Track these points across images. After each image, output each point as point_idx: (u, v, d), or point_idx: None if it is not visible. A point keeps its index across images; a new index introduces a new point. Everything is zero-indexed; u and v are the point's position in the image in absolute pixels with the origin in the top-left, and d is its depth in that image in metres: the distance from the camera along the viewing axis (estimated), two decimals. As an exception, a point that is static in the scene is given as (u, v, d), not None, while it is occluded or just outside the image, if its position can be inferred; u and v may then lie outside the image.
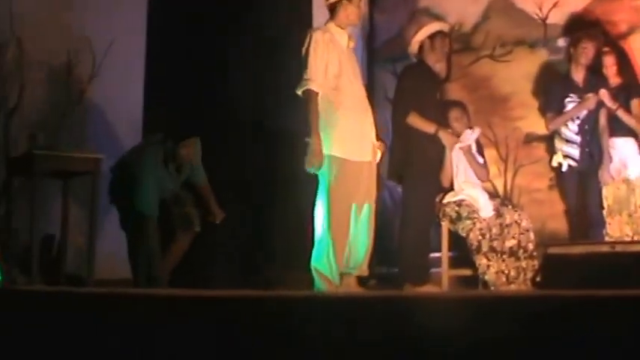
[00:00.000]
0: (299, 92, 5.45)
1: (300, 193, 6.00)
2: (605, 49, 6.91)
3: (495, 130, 7.33)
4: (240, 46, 7.61)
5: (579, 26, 7.14)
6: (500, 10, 7.48)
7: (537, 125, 7.24)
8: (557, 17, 7.33)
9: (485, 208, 6.34)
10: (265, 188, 7.60)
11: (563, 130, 6.70)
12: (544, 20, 7.37)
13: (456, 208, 6.37)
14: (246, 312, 3.15)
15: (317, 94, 5.38)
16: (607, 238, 6.56)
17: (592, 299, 3.02)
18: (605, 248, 4.61)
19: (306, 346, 3.01)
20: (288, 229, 7.10)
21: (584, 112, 6.65)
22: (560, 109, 6.72)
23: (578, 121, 6.67)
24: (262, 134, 7.62)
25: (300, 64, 5.47)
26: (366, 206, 5.54)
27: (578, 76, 6.72)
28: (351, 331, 2.98)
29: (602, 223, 6.62)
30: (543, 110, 7.01)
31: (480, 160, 6.60)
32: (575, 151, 6.63)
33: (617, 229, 6.68)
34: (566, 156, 6.65)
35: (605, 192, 6.70)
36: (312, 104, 5.37)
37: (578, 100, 6.65)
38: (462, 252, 6.42)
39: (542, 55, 7.36)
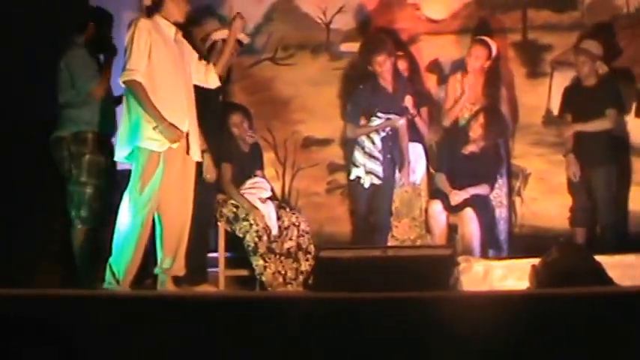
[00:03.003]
0: (121, 81, 5.40)
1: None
2: (399, 52, 7.13)
3: (275, 133, 7.43)
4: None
5: (365, 33, 7.36)
6: (284, 12, 7.53)
7: (317, 129, 7.41)
8: (341, 23, 7.48)
9: (274, 227, 6.46)
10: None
11: (368, 145, 6.72)
12: (327, 25, 7.51)
13: (234, 210, 6.42)
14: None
15: (140, 84, 5.33)
16: (393, 241, 6.78)
17: (359, 301, 3.16)
18: (376, 252, 4.79)
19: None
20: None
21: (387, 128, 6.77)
22: (368, 115, 6.75)
23: (382, 135, 6.74)
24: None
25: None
26: (178, 205, 5.53)
27: (386, 82, 6.77)
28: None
29: (389, 227, 6.85)
30: (347, 116, 7.05)
31: None
32: (378, 168, 6.69)
33: (403, 232, 6.91)
34: (369, 172, 6.70)
35: (393, 195, 6.94)
36: (141, 94, 5.33)
37: (387, 110, 6.72)
38: (241, 252, 6.48)
39: (324, 60, 7.52)
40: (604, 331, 2.88)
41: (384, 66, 6.69)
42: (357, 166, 6.75)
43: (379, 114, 6.73)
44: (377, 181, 6.70)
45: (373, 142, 6.74)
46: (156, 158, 5.37)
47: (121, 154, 5.50)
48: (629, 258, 5.70)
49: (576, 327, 2.90)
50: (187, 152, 5.50)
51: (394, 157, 6.79)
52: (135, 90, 5.35)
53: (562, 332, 2.89)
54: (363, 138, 6.76)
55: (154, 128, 5.33)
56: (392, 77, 6.77)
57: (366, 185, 6.72)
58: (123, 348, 3.12)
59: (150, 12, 5.57)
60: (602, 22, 7.31)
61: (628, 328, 2.85)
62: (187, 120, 5.49)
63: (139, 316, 3.20)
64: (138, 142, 5.37)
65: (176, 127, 5.37)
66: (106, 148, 6.19)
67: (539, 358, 2.88)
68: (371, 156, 6.72)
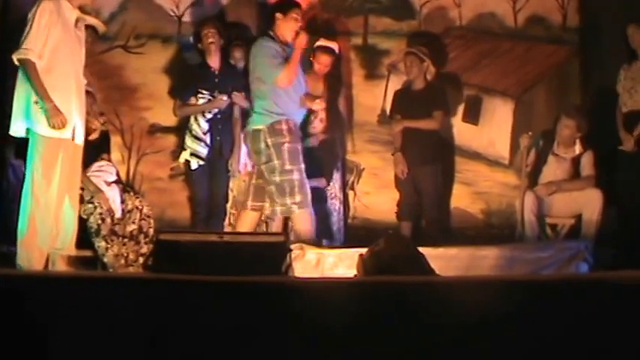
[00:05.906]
0: (15, 58, 5.21)
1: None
2: (237, 42, 7.10)
3: (122, 118, 7.34)
4: None
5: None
6: (139, 2, 7.47)
7: (163, 117, 7.33)
8: (193, 16, 7.44)
9: (118, 210, 6.33)
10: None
11: (194, 128, 6.76)
12: (179, 18, 7.46)
13: (80, 192, 6.27)
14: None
15: (33, 63, 5.17)
16: (229, 228, 6.77)
17: (195, 284, 3.11)
18: (213, 237, 4.76)
19: None
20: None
21: (215, 110, 6.78)
22: (192, 95, 6.76)
23: (209, 116, 6.76)
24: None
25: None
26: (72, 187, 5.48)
27: (214, 61, 6.82)
28: None
29: (224, 212, 6.85)
30: (173, 92, 7.10)
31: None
32: (203, 150, 6.72)
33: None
34: (193, 154, 6.75)
35: (231, 184, 6.91)
36: (32, 73, 5.18)
37: (211, 88, 6.74)
38: (85, 234, 6.34)
39: (173, 50, 7.46)
40: (424, 316, 2.93)
41: (212, 39, 6.76)
42: (184, 150, 6.82)
43: (203, 91, 6.75)
44: (202, 163, 6.75)
45: (199, 125, 6.78)
46: (56, 145, 5.28)
47: (17, 130, 5.36)
48: (452, 251, 5.84)
49: (398, 313, 2.93)
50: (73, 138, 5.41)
51: (223, 141, 6.78)
52: (27, 69, 5.21)
53: (386, 318, 2.93)
54: (192, 121, 6.81)
55: (35, 103, 5.20)
56: (219, 57, 6.83)
57: (193, 167, 6.80)
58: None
59: None
60: (435, 32, 7.48)
61: (447, 315, 2.91)
62: (74, 106, 5.37)
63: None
64: (34, 126, 5.26)
65: (60, 111, 5.24)
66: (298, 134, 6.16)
67: (364, 342, 2.91)
68: (196, 138, 6.78)
